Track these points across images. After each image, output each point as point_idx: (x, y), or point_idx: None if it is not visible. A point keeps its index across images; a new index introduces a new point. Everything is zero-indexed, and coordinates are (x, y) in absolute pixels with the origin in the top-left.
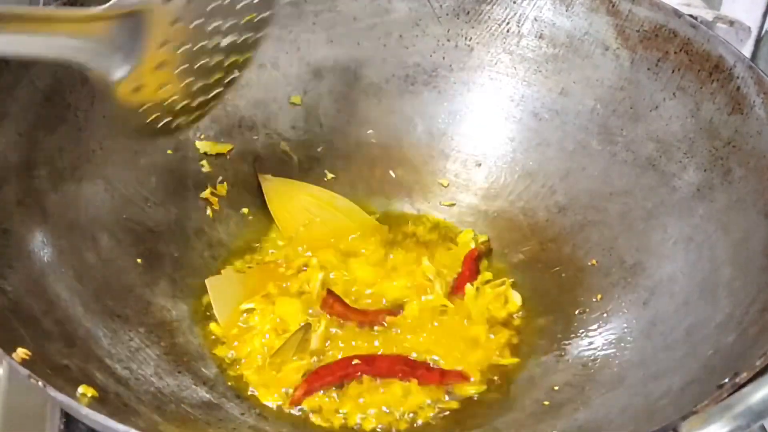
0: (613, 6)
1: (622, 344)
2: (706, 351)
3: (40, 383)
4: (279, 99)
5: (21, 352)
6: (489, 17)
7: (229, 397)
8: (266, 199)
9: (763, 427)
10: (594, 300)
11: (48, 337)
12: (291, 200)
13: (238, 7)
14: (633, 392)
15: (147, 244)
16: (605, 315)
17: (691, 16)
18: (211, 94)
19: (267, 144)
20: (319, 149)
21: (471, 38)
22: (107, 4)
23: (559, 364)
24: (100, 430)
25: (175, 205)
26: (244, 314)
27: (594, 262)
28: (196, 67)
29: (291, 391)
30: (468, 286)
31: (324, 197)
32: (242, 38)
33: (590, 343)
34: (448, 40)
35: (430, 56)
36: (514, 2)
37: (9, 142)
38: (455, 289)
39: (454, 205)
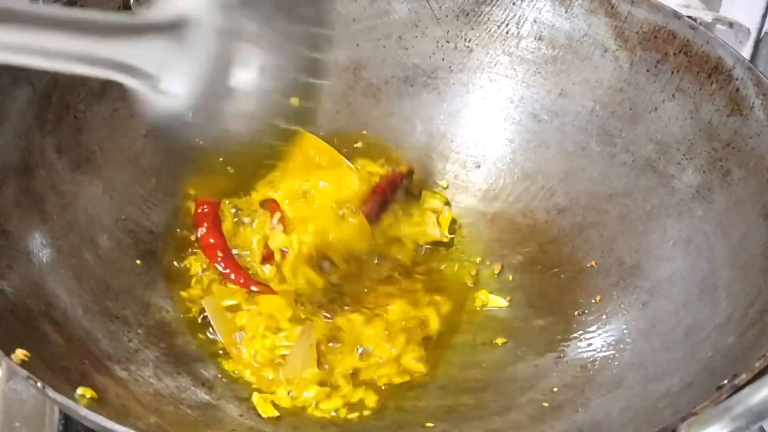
0: (612, 7)
1: (621, 346)
2: (706, 352)
3: (39, 384)
4: None
5: (20, 353)
6: (488, 19)
7: (228, 399)
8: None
9: (762, 429)
10: (593, 301)
11: (47, 338)
12: (310, 161)
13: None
14: (632, 394)
15: (146, 245)
16: (604, 316)
17: (690, 17)
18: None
19: None
20: None
21: (470, 40)
22: (144, 15)
23: (558, 365)
24: None
25: (175, 206)
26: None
27: (593, 263)
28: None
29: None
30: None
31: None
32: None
33: (589, 345)
34: (448, 42)
35: (430, 57)
36: (514, 4)
37: (8, 143)
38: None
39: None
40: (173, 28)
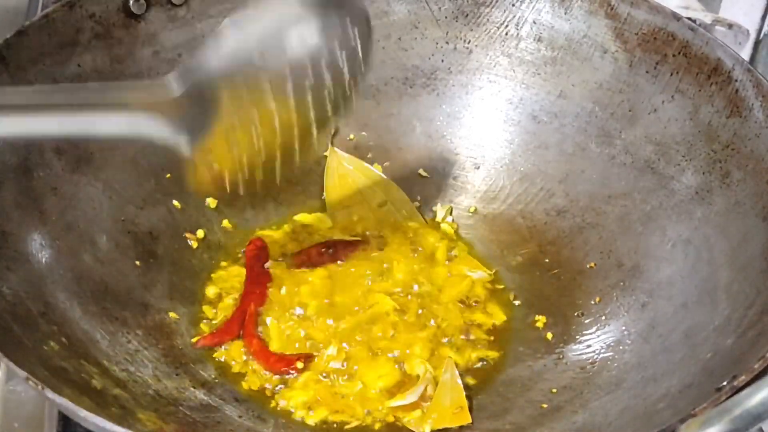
0: (612, 9)
1: (621, 347)
2: (705, 354)
3: (38, 385)
4: None
5: None
6: (488, 20)
7: (227, 400)
8: (326, 169)
9: (761, 430)
10: (592, 303)
11: (46, 340)
12: (346, 177)
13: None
14: (631, 395)
15: (145, 246)
16: (603, 318)
17: (689, 18)
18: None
19: None
20: None
21: (469, 41)
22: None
23: (557, 366)
24: None
25: (174, 208)
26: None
27: (592, 264)
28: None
29: None
30: None
31: (381, 183)
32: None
33: (588, 346)
34: (447, 43)
35: (429, 59)
36: (513, 5)
37: (7, 143)
38: None
39: (452, 208)
40: (199, 87)
